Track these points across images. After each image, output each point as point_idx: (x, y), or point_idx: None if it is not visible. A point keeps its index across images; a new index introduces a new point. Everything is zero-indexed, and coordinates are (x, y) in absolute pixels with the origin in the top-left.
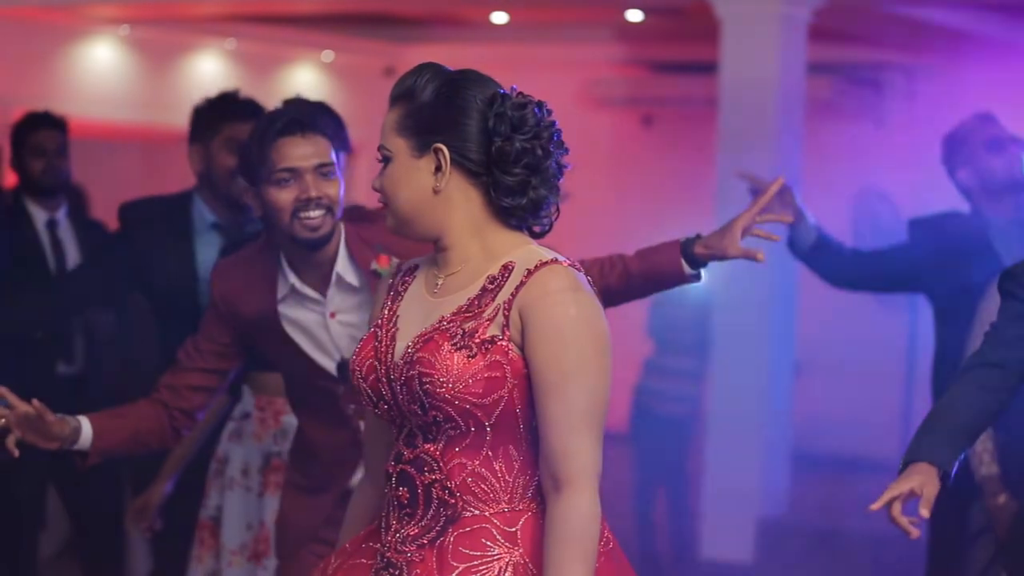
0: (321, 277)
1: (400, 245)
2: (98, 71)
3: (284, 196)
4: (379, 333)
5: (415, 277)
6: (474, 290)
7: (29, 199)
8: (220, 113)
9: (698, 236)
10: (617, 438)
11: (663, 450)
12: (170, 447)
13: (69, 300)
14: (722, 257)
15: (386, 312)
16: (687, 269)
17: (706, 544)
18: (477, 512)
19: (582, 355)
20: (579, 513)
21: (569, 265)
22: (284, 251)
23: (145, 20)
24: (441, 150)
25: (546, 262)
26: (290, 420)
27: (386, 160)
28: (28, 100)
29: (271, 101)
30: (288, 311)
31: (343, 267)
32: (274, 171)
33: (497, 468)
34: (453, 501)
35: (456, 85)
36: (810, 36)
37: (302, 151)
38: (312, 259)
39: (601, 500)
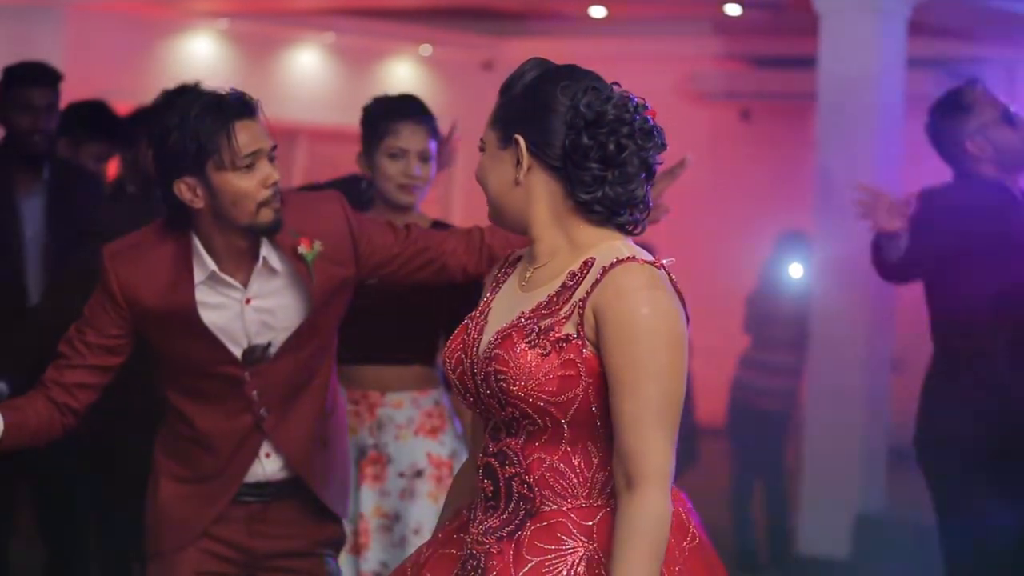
0: (239, 263)
1: (310, 227)
2: (197, 65)
3: (248, 182)
4: (470, 325)
5: (515, 269)
6: (555, 286)
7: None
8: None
9: None
10: (714, 433)
11: (760, 445)
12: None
13: None
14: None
15: (482, 303)
16: None
17: (803, 540)
18: (555, 507)
19: (655, 355)
20: (647, 512)
21: (647, 262)
22: (205, 236)
23: (244, 14)
24: (518, 142)
25: (622, 259)
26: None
27: (481, 151)
28: (128, 94)
29: (369, 95)
30: (203, 298)
31: (268, 251)
32: (238, 157)
33: (576, 464)
34: (532, 495)
35: (545, 79)
36: (910, 30)
37: (261, 134)
38: (237, 245)
39: (697, 494)
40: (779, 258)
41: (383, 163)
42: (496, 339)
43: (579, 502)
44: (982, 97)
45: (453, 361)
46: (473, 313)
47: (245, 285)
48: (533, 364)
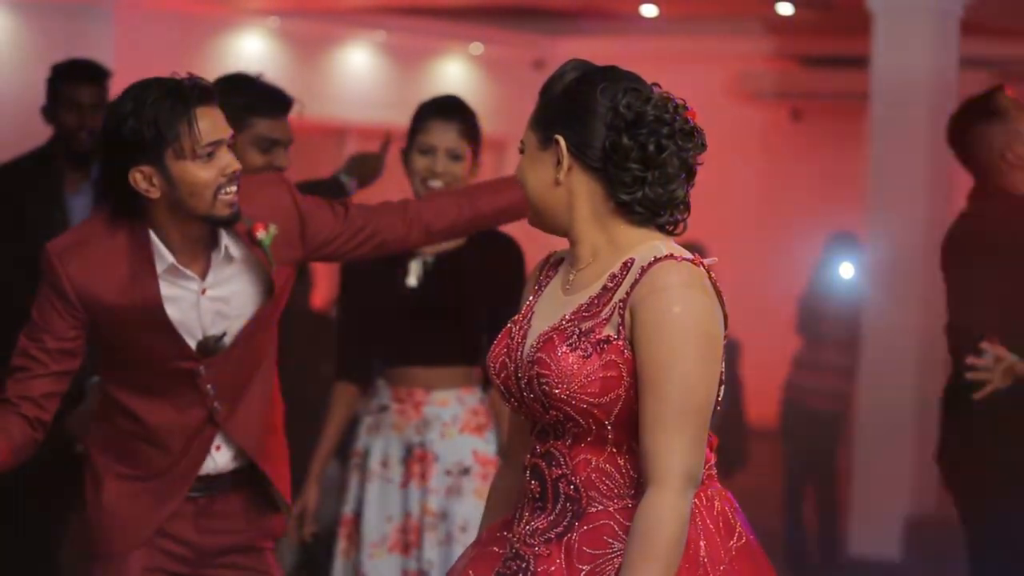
0: (195, 253)
1: (260, 211)
2: (247, 63)
3: (208, 172)
4: (514, 329)
5: (557, 272)
6: (596, 288)
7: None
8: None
9: None
10: (766, 435)
11: (812, 447)
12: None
13: None
14: None
15: (524, 306)
16: None
17: (854, 541)
18: (601, 507)
19: (681, 353)
20: (657, 512)
21: (686, 260)
22: (160, 227)
23: (295, 12)
24: (559, 142)
25: (661, 258)
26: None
27: (521, 152)
28: None
29: (420, 93)
30: (163, 291)
31: (229, 240)
32: (199, 145)
33: (621, 464)
34: (578, 496)
35: (585, 80)
36: (962, 30)
37: (221, 122)
38: (193, 235)
39: (748, 496)
40: (830, 258)
41: (413, 159)
42: (538, 342)
43: (625, 502)
44: (1014, 102)
45: (497, 365)
46: (516, 317)
47: (202, 276)
48: (575, 367)
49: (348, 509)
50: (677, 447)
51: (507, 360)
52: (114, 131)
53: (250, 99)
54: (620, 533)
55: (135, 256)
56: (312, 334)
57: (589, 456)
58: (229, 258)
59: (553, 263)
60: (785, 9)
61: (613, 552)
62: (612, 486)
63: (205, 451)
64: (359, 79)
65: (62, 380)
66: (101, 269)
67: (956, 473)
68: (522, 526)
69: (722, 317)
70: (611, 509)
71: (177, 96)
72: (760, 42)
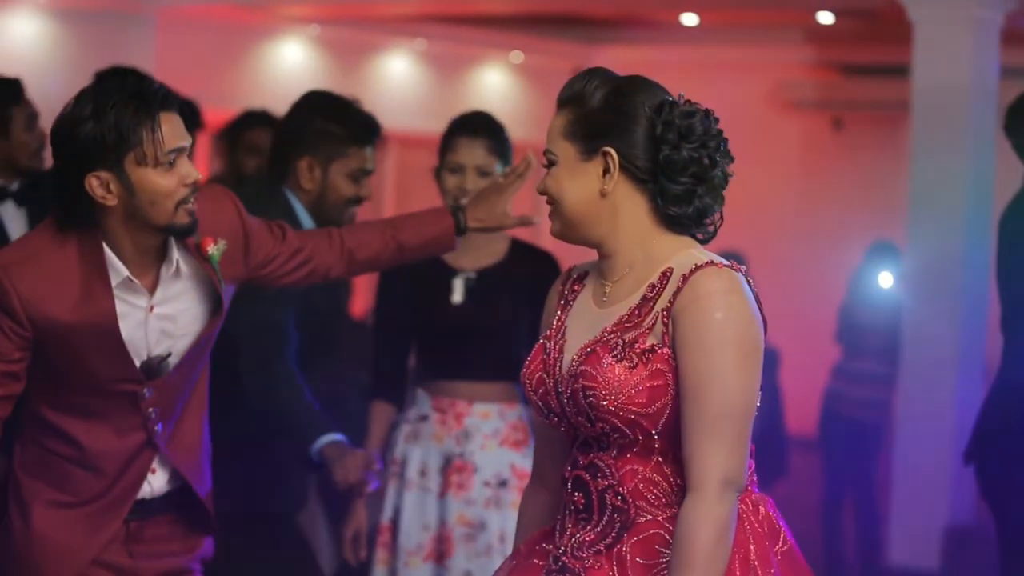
0: (145, 266)
1: (208, 225)
2: (288, 70)
3: (169, 180)
4: (548, 345)
5: (584, 286)
6: (635, 299)
7: None
8: None
9: (460, 207)
10: (805, 444)
11: (851, 456)
12: None
13: None
14: (498, 229)
15: (555, 323)
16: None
17: (893, 550)
18: (650, 517)
19: (721, 359)
20: (693, 518)
21: (726, 266)
22: (113, 237)
23: (335, 20)
24: (610, 153)
25: (701, 265)
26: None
27: (551, 164)
28: (219, 99)
29: (459, 101)
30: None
31: (180, 254)
32: (161, 152)
33: (668, 473)
34: (626, 507)
35: (625, 91)
36: (1004, 39)
37: (182, 129)
38: (146, 247)
39: (787, 504)
40: (870, 267)
41: (444, 177)
42: (580, 356)
43: (673, 511)
44: None
45: (534, 382)
46: (547, 333)
47: (150, 291)
48: (622, 377)
49: (385, 518)
50: (715, 452)
51: (544, 376)
52: (70, 134)
53: (353, 129)
54: (671, 541)
55: (87, 270)
56: (351, 341)
57: (636, 466)
58: (177, 273)
59: (577, 278)
60: (826, 18)
61: (665, 561)
62: (660, 495)
63: (143, 475)
64: (399, 87)
65: (5, 405)
66: (53, 284)
67: (993, 484)
68: (566, 539)
69: (762, 322)
70: (660, 518)
71: (140, 100)
72: (801, 51)
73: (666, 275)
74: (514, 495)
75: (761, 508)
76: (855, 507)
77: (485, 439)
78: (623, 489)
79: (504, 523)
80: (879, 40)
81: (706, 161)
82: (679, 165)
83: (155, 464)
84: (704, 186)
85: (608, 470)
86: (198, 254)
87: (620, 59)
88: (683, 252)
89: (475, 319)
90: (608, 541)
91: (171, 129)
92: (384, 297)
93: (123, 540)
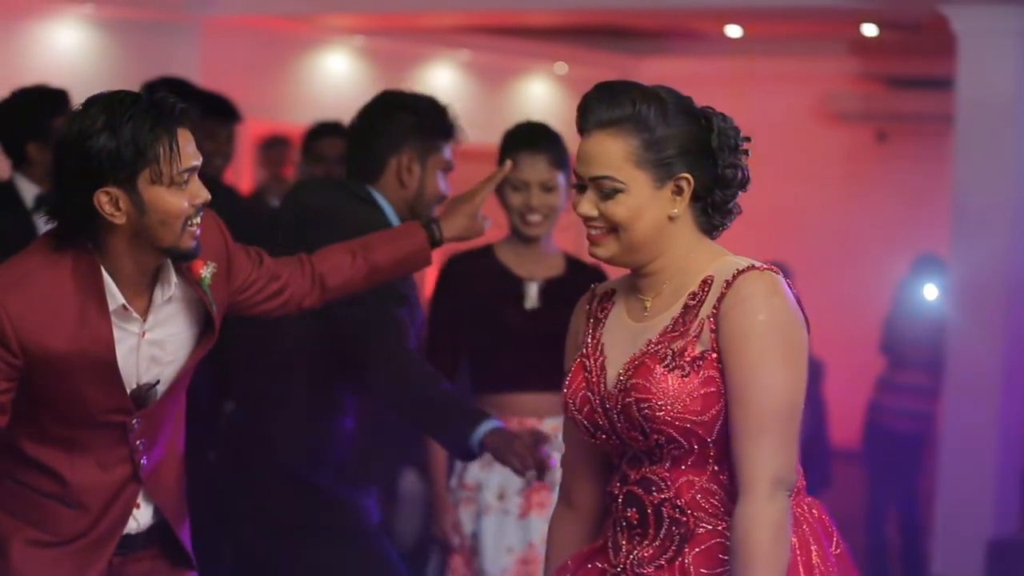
0: (139, 291)
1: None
2: (332, 81)
3: (181, 200)
4: (587, 363)
5: (614, 302)
6: (677, 309)
7: None
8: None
9: (433, 219)
10: (849, 456)
11: (895, 468)
12: None
13: None
14: (475, 236)
15: (590, 340)
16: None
17: (937, 562)
18: (710, 527)
19: (767, 360)
20: (747, 521)
21: (767, 269)
22: (113, 258)
23: (380, 31)
24: (687, 180)
25: (743, 270)
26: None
27: (614, 191)
28: (263, 110)
29: (503, 112)
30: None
31: (176, 279)
32: (178, 170)
33: (723, 481)
34: (684, 519)
35: (683, 110)
36: None
37: (193, 147)
38: (145, 270)
39: (831, 514)
40: (915, 280)
41: (508, 194)
42: (629, 369)
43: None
44: None
45: (578, 401)
46: (584, 351)
47: (143, 316)
48: (676, 387)
49: (458, 543)
50: (765, 452)
51: (589, 394)
52: (79, 147)
53: (443, 124)
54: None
55: (83, 294)
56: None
57: (692, 477)
58: (168, 298)
59: (604, 296)
60: (870, 30)
61: (728, 569)
62: (717, 504)
63: (128, 510)
64: (443, 98)
65: None
66: (47, 309)
67: None
68: (622, 557)
69: (805, 323)
70: (720, 527)
71: (159, 114)
72: (845, 63)
73: (707, 283)
74: None
75: (815, 511)
76: (899, 519)
77: (560, 455)
78: (680, 501)
79: None
80: (923, 52)
81: (747, 171)
82: (732, 177)
83: (139, 499)
84: (741, 192)
85: (663, 483)
86: (189, 276)
87: (664, 71)
88: (721, 259)
89: (548, 325)
90: (669, 555)
91: (187, 146)
92: (439, 311)
93: None
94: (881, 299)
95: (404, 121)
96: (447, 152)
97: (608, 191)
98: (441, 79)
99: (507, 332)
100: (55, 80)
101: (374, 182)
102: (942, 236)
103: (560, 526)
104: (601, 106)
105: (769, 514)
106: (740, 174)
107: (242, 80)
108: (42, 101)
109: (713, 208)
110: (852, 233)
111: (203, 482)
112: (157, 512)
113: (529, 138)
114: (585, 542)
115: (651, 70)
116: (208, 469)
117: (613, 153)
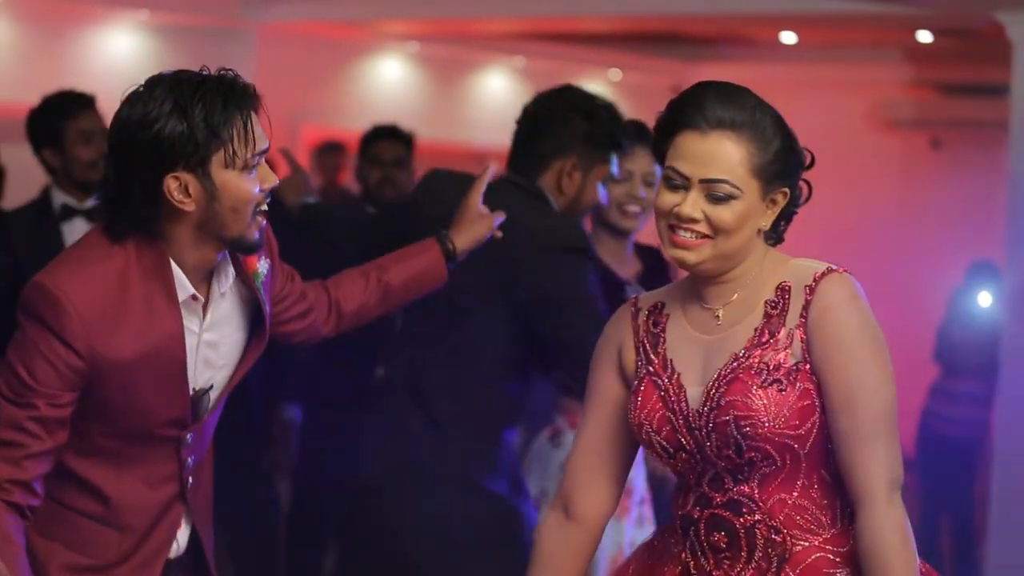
0: (200, 285)
1: None
2: (387, 88)
3: (252, 185)
4: (660, 382)
5: (667, 316)
6: (756, 319)
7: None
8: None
9: (444, 234)
10: (903, 463)
11: (949, 475)
12: None
13: None
14: (489, 235)
15: (654, 358)
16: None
17: (990, 571)
18: (807, 544)
19: (867, 365)
20: (876, 530)
21: (845, 271)
22: (178, 249)
23: (435, 37)
24: (784, 194)
25: (823, 273)
26: None
27: (729, 196)
28: (317, 115)
29: None
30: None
31: (238, 272)
32: (251, 153)
33: (815, 495)
34: (780, 539)
35: (781, 120)
36: None
37: (262, 129)
38: (208, 262)
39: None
40: (969, 287)
41: (608, 187)
42: (720, 386)
43: (830, 531)
44: None
45: (655, 422)
46: (650, 370)
47: (203, 313)
48: (776, 401)
49: None
50: (879, 456)
51: (670, 415)
52: (145, 134)
53: (615, 135)
54: (837, 561)
55: (149, 286)
56: None
57: (783, 495)
58: (224, 294)
59: (653, 311)
60: (925, 37)
61: None
62: (811, 519)
63: (173, 532)
64: (497, 104)
65: (53, 459)
66: (113, 302)
67: None
68: None
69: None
70: (816, 542)
71: (229, 93)
72: (899, 70)
73: (784, 289)
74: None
75: None
76: (952, 527)
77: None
78: (774, 521)
79: None
80: (978, 59)
81: (809, 184)
82: (802, 192)
83: (182, 520)
84: None
85: (753, 504)
86: (243, 272)
87: (718, 77)
88: (787, 264)
89: None
90: None
91: (258, 127)
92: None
93: None
94: (936, 306)
95: (576, 126)
96: (614, 164)
97: (721, 195)
98: (495, 85)
99: None
100: (110, 86)
101: (535, 178)
102: (997, 243)
103: (553, 537)
104: (724, 106)
105: (895, 518)
106: (808, 189)
107: (297, 86)
108: (55, 106)
109: (785, 218)
110: (906, 240)
111: (258, 490)
112: (194, 532)
113: (637, 132)
114: (579, 558)
115: (705, 76)
116: (262, 476)
117: (734, 157)
